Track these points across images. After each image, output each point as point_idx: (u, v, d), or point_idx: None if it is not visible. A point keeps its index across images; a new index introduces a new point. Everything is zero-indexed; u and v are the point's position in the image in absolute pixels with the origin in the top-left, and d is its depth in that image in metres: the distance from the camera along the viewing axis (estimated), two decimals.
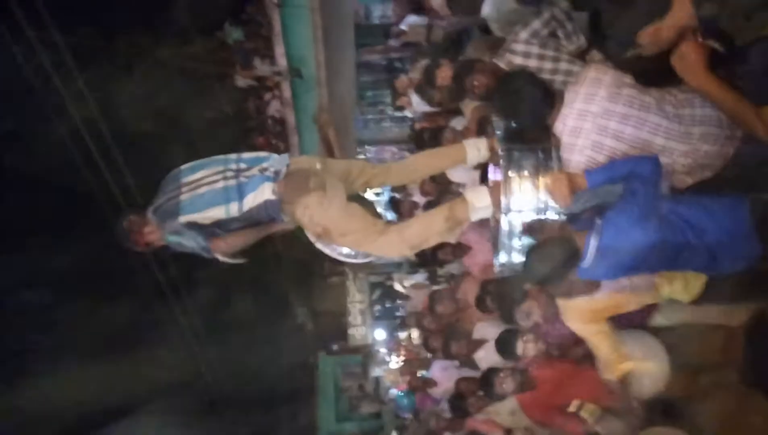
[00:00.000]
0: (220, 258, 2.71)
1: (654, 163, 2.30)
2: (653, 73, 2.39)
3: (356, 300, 12.55)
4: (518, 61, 2.81)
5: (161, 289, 9.81)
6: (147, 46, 9.72)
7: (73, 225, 8.56)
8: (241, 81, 9.32)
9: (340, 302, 12.75)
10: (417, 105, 6.60)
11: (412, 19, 7.85)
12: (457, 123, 4.70)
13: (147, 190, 2.94)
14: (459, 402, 4.37)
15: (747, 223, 2.32)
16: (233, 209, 2.61)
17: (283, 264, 12.15)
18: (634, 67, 2.41)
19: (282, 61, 8.33)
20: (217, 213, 2.62)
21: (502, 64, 2.83)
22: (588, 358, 3.23)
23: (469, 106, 3.74)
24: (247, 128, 9.48)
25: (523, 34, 2.83)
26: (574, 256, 2.34)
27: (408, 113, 7.93)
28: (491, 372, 3.58)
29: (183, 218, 2.62)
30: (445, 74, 3.40)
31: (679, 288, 2.73)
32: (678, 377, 3.08)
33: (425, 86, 3.94)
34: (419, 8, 7.01)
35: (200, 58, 9.23)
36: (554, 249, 2.36)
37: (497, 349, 3.74)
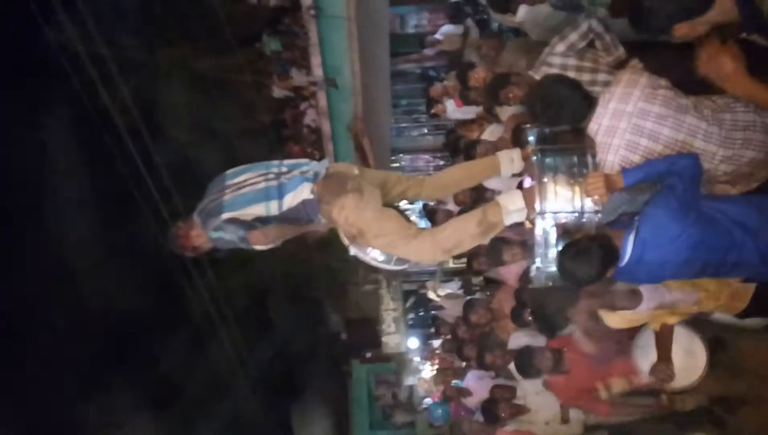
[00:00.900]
0: (257, 248, 2.79)
1: (693, 160, 2.25)
2: (690, 82, 2.35)
3: (390, 308, 12.53)
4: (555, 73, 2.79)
5: (201, 299, 10.01)
6: (187, 57, 10.00)
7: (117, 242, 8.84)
8: (278, 91, 9.48)
9: (373, 310, 12.76)
10: (452, 113, 6.60)
11: (448, 27, 7.87)
12: (491, 133, 4.70)
13: (188, 198, 3.07)
14: (491, 406, 4.35)
15: None
16: (273, 207, 2.70)
17: (317, 272, 12.25)
18: (670, 74, 2.38)
19: (318, 71, 8.41)
20: (257, 210, 2.71)
21: (538, 77, 2.82)
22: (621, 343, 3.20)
23: (506, 112, 3.73)
24: (284, 137, 9.64)
25: (560, 47, 2.82)
26: (611, 254, 2.27)
27: (443, 121, 7.93)
28: (528, 349, 3.56)
29: (225, 216, 2.72)
30: (478, 75, 3.41)
31: (725, 303, 2.65)
32: (716, 377, 3.00)
33: (463, 90, 3.96)
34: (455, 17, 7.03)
35: (239, 69, 9.43)
36: (589, 246, 2.29)
37: (516, 367, 3.74)
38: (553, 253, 2.48)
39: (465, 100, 4.86)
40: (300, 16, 8.30)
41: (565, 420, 3.94)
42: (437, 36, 8.01)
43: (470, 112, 6.02)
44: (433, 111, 6.32)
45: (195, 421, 10.57)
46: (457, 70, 4.07)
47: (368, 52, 8.34)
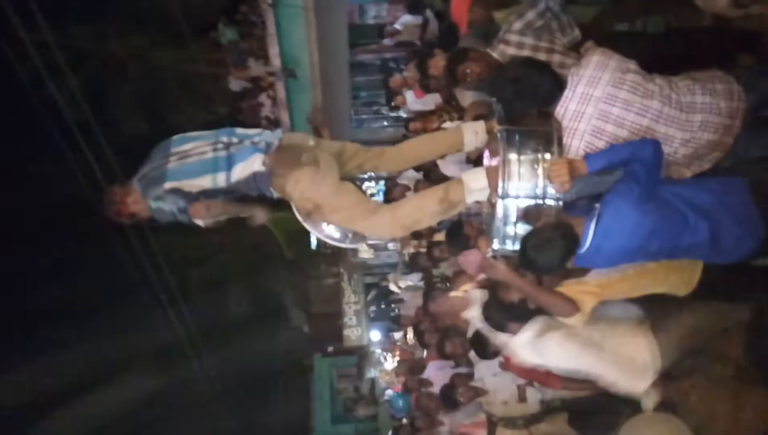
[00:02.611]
0: (199, 222, 2.64)
1: (654, 146, 2.25)
2: (656, 60, 2.37)
3: (351, 301, 12.50)
4: (511, 51, 2.78)
5: (154, 289, 9.76)
6: (140, 46, 9.71)
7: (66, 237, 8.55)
8: (235, 82, 9.30)
9: (335, 303, 12.71)
10: (411, 104, 6.59)
11: (406, 18, 7.85)
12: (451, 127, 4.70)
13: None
14: (450, 392, 4.36)
15: (749, 201, 2.29)
16: (221, 179, 2.56)
17: (278, 266, 12.13)
18: (638, 53, 2.39)
19: (276, 62, 8.31)
20: (203, 182, 2.56)
21: (495, 54, 2.81)
22: None
23: (467, 99, 3.72)
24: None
25: (517, 25, 2.81)
26: (573, 243, 2.26)
27: (402, 113, 7.92)
28: (482, 332, 3.55)
29: (168, 185, 2.56)
30: (438, 63, 3.38)
31: (675, 283, 2.68)
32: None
33: (422, 78, 3.93)
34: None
35: (194, 59, 9.21)
36: (553, 235, 2.26)
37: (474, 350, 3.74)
38: (512, 230, 2.44)
39: (425, 88, 4.83)
40: (257, 5, 8.17)
41: (522, 399, 3.98)
42: (396, 26, 7.98)
43: (430, 103, 6.01)
44: (393, 103, 6.28)
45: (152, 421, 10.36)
46: (417, 59, 4.04)
47: (327, 42, 8.27)
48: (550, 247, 2.26)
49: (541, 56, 2.74)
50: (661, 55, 2.17)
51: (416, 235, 5.84)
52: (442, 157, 3.89)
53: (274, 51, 8.17)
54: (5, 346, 7.83)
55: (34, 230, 8.59)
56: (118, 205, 2.67)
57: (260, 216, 2.73)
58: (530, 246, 2.29)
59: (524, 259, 2.35)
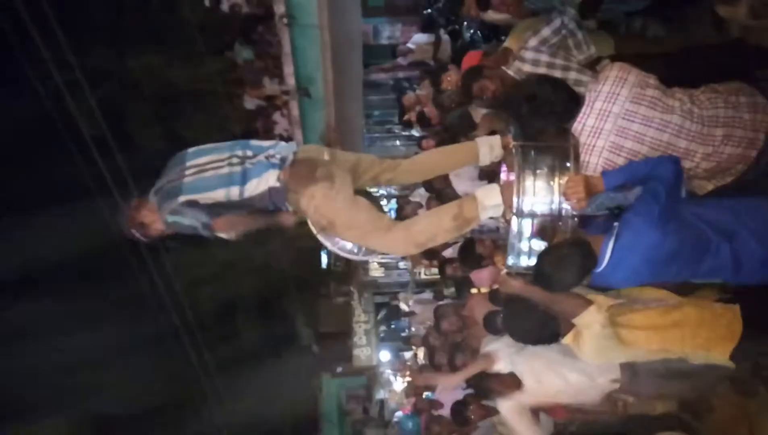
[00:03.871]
0: (223, 236, 2.66)
1: (674, 164, 2.22)
2: (678, 74, 2.35)
3: (361, 320, 12.42)
4: (527, 68, 2.80)
5: (165, 308, 9.79)
6: (158, 66, 9.88)
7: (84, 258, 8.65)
8: (250, 101, 9.40)
9: (345, 323, 12.63)
10: None
11: (419, 37, 7.93)
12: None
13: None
14: (461, 408, 4.31)
15: None
16: (234, 193, 2.58)
17: (287, 284, 12.11)
18: (657, 68, 2.37)
19: (291, 81, 8.39)
20: (217, 196, 2.58)
21: (510, 72, 2.82)
22: None
23: (479, 114, 3.73)
24: None
25: (533, 42, 2.82)
26: (591, 261, 2.22)
27: (415, 132, 7.95)
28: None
29: (183, 198, 2.58)
30: (451, 78, 3.40)
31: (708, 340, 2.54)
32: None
33: (436, 93, 3.95)
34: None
35: (211, 78, 9.34)
36: (570, 252, 2.22)
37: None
38: (526, 246, 2.43)
39: (438, 106, 4.85)
40: (273, 24, 8.27)
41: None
42: (409, 45, 8.06)
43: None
44: (405, 117, 6.32)
45: None
46: (431, 74, 4.07)
47: (341, 61, 8.35)
48: (568, 265, 2.23)
49: (557, 73, 2.74)
50: (681, 70, 2.16)
51: (428, 253, 5.82)
52: (457, 170, 3.89)
53: (288, 70, 8.25)
54: None
55: (47, 246, 8.70)
56: (134, 219, 2.68)
57: (287, 219, 2.72)
58: (547, 262, 2.27)
59: (540, 276, 2.32)
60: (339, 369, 13.27)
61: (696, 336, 2.41)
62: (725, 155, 2.31)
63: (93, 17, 9.79)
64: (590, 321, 2.50)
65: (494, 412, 4.12)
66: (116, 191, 8.62)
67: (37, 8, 6.99)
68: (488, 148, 2.81)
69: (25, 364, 8.70)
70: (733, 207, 2.31)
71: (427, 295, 9.20)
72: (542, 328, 2.63)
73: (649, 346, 2.47)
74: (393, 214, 6.37)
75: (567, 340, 2.59)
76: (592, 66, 2.87)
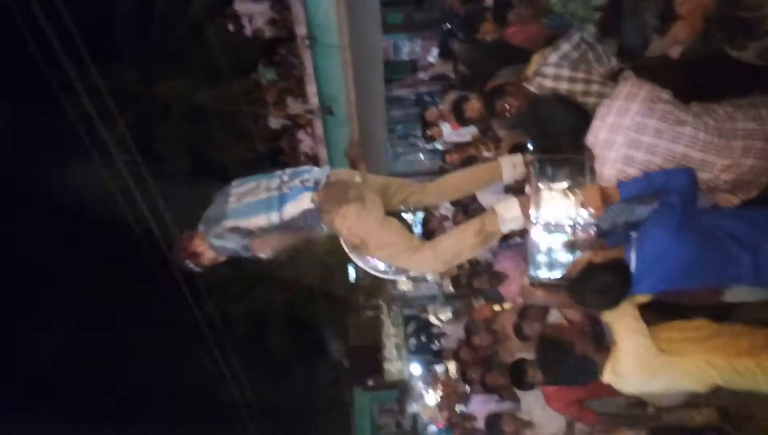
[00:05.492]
0: (261, 255, 2.79)
1: (689, 175, 2.26)
2: (700, 87, 2.36)
3: (391, 333, 12.41)
4: (549, 84, 2.81)
5: (198, 326, 9.94)
6: (184, 89, 10.13)
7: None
8: (275, 120, 9.56)
9: (374, 337, 12.65)
10: (448, 136, 6.64)
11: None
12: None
13: (185, 227, 3.06)
14: (495, 421, 4.30)
15: None
16: (273, 218, 2.69)
17: (317, 299, 12.19)
18: (674, 83, 2.40)
19: (314, 100, 8.52)
20: (258, 221, 2.70)
21: (532, 88, 2.84)
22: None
23: (503, 131, 3.75)
24: (281, 165, 9.67)
25: (553, 57, 2.84)
26: (629, 284, 2.29)
27: (438, 145, 7.99)
28: (522, 362, 3.51)
29: (227, 223, 2.72)
30: (474, 107, 3.44)
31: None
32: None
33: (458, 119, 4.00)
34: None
35: (236, 99, 9.54)
36: (613, 283, 2.29)
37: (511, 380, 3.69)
38: (545, 259, 2.50)
39: (461, 121, 4.88)
40: (295, 45, 8.42)
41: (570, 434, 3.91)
42: (430, 59, 8.12)
43: (466, 134, 6.05)
44: (428, 132, 6.35)
45: None
46: (453, 104, 4.10)
47: (363, 79, 8.46)
48: (611, 294, 2.32)
49: (579, 87, 2.76)
50: (700, 83, 2.18)
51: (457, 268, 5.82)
52: (482, 189, 3.93)
53: (311, 89, 8.38)
54: None
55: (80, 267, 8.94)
56: (186, 250, 2.81)
57: (321, 234, 2.83)
58: (590, 290, 2.33)
59: (580, 299, 2.40)
60: (370, 383, 13.27)
61: (737, 345, 2.43)
62: (746, 167, 2.32)
63: (122, 44, 10.11)
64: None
65: (528, 424, 4.10)
66: (147, 212, 8.77)
67: (67, 35, 7.22)
68: (511, 166, 2.89)
69: None
70: (752, 218, 2.33)
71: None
72: (580, 370, 2.66)
73: (694, 356, 2.46)
74: (419, 227, 6.43)
75: (606, 377, 2.60)
76: (615, 78, 2.87)
